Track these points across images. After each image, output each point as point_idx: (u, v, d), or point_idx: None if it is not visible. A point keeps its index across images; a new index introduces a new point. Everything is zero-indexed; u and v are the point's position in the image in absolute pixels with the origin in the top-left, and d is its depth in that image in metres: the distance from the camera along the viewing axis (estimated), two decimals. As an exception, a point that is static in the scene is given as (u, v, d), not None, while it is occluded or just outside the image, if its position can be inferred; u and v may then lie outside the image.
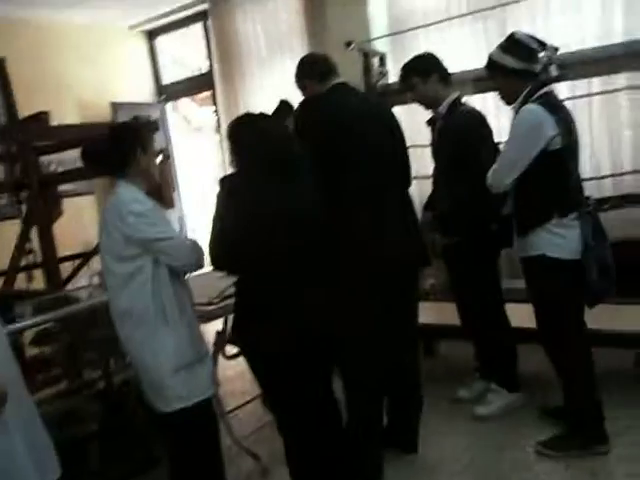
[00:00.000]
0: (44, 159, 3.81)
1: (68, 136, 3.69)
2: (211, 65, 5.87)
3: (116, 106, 5.79)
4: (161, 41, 6.43)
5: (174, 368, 2.11)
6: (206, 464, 2.23)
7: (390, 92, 3.83)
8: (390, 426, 2.73)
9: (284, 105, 2.73)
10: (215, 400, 2.43)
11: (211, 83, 5.87)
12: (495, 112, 3.68)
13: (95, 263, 3.54)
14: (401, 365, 2.70)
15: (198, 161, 6.71)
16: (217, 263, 2.15)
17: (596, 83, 3.69)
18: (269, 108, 2.50)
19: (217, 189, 2.15)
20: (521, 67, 2.46)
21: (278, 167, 2.11)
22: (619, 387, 2.95)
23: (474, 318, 3.11)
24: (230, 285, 2.50)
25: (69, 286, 3.68)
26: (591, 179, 3.47)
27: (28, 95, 3.96)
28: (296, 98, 2.63)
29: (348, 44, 3.86)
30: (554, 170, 2.45)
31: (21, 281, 3.72)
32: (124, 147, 2.14)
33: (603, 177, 3.64)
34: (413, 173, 2.71)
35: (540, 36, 2.53)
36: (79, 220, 4.69)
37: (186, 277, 2.25)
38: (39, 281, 3.80)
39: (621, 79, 3.55)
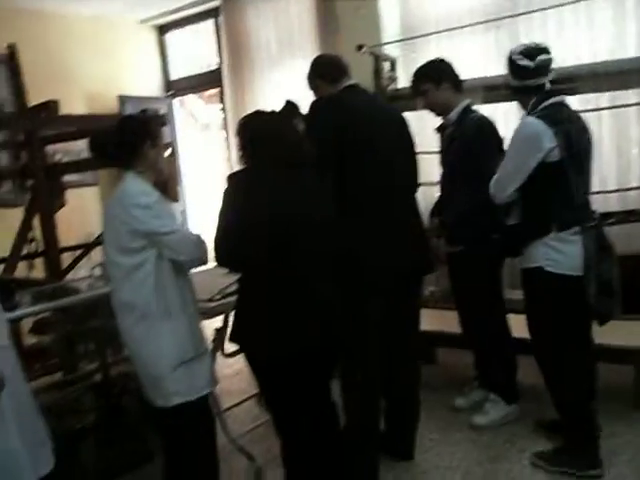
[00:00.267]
0: (50, 148, 3.80)
1: (76, 126, 3.69)
2: (220, 62, 5.86)
3: (123, 99, 5.78)
4: (171, 36, 6.44)
5: (174, 363, 2.10)
6: (201, 460, 2.21)
7: (399, 97, 3.83)
8: (387, 432, 2.72)
9: (290, 105, 2.71)
10: (212, 397, 2.41)
11: (219, 80, 5.87)
12: (504, 119, 3.67)
13: (96, 255, 3.54)
14: (400, 371, 2.68)
15: (203, 157, 6.72)
16: (221, 260, 2.13)
17: (606, 97, 3.69)
18: (276, 107, 2.49)
19: (224, 185, 2.14)
20: (519, 85, 2.50)
21: (290, 166, 2.09)
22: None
23: (475, 327, 3.10)
24: (232, 283, 2.49)
25: (69, 276, 3.67)
26: (598, 193, 3.46)
27: (36, 85, 3.95)
28: (305, 98, 2.60)
29: (359, 47, 3.86)
30: (553, 182, 2.43)
31: (22, 269, 3.72)
32: (133, 139, 2.13)
33: (609, 192, 3.63)
34: (419, 179, 2.69)
35: (552, 47, 2.52)
36: (82, 211, 4.68)
37: (189, 272, 2.24)
38: (39, 270, 3.79)
39: (631, 94, 3.54)
